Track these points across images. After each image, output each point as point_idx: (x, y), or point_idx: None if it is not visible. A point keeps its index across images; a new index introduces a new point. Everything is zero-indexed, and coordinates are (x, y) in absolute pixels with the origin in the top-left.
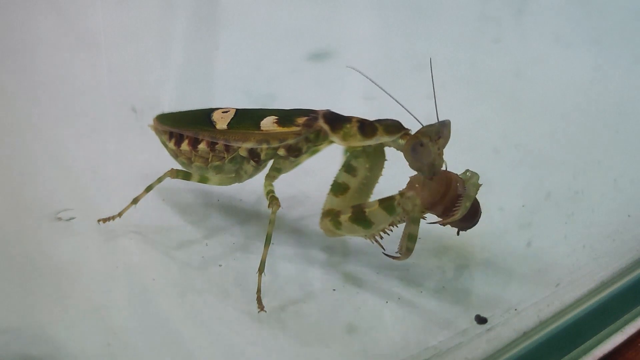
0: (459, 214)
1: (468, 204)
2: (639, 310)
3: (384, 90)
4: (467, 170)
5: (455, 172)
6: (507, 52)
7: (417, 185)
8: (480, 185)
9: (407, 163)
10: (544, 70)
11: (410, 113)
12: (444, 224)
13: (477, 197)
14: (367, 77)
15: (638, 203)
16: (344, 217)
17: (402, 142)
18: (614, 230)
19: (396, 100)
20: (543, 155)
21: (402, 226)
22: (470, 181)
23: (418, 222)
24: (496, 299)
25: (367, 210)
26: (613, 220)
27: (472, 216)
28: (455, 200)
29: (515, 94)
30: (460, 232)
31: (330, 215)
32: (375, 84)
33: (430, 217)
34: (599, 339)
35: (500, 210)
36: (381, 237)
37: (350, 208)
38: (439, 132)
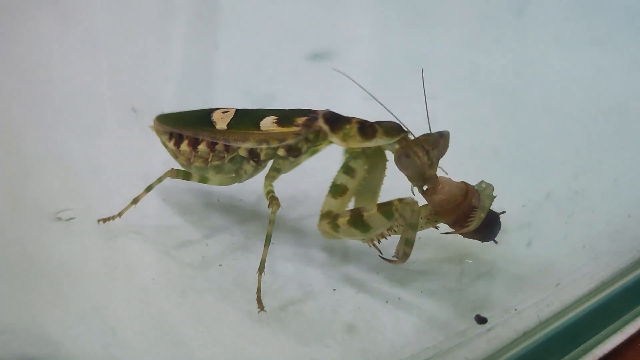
0: (473, 225)
1: (482, 215)
2: (639, 310)
3: (368, 92)
4: (482, 182)
5: (468, 183)
6: (507, 52)
7: (433, 191)
8: (495, 197)
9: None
10: (544, 71)
11: (394, 117)
12: (464, 235)
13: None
14: (354, 81)
15: (638, 203)
16: (342, 220)
17: (396, 147)
18: (614, 230)
19: (384, 106)
20: (543, 155)
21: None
22: (485, 192)
23: (415, 228)
24: (496, 299)
25: (365, 214)
26: (613, 220)
27: (491, 228)
28: (469, 212)
29: (515, 94)
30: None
31: (329, 217)
32: (362, 87)
33: (443, 227)
34: (599, 339)
35: (500, 210)
36: (379, 241)
37: (349, 211)
38: (434, 143)
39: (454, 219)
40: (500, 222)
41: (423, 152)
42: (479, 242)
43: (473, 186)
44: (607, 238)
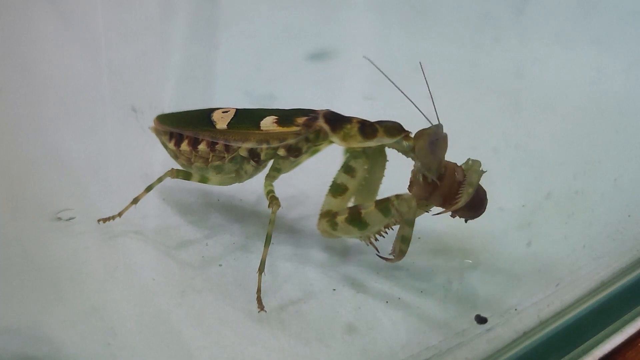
0: (462, 201)
1: (471, 190)
2: (639, 310)
3: (395, 86)
4: (469, 159)
5: (455, 162)
6: (507, 52)
7: (416, 179)
8: (484, 172)
9: (415, 163)
10: (544, 70)
11: (419, 110)
12: (452, 215)
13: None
14: (380, 71)
15: (638, 203)
16: (340, 218)
17: (406, 143)
18: (614, 230)
19: (406, 96)
20: (543, 155)
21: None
22: (472, 168)
23: (412, 225)
24: (496, 299)
25: (363, 211)
26: (613, 220)
27: (478, 204)
28: (455, 188)
29: (515, 94)
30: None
31: (328, 216)
32: (388, 78)
33: (435, 209)
34: (599, 339)
35: (500, 210)
36: (376, 239)
37: (347, 209)
38: (438, 134)
39: (440, 200)
40: (486, 198)
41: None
42: (478, 241)
43: (454, 163)
44: (607, 238)
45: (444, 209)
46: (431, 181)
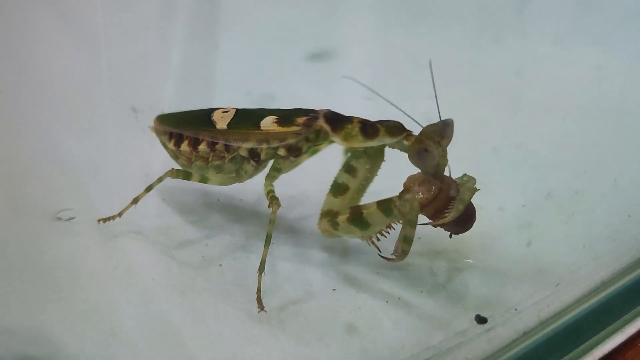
0: (450, 216)
1: (461, 207)
2: (639, 310)
3: (379, 95)
4: (465, 175)
5: (451, 176)
6: (507, 52)
7: (412, 187)
8: (477, 190)
9: (412, 164)
10: (544, 70)
11: (406, 114)
12: (435, 226)
13: (477, 196)
14: (364, 85)
15: (638, 203)
16: (341, 218)
17: (407, 143)
18: (614, 230)
19: (393, 104)
20: (543, 155)
21: (399, 228)
22: (466, 185)
23: (414, 225)
24: (496, 299)
25: (364, 211)
26: (613, 220)
27: (466, 221)
28: (447, 203)
29: (515, 94)
30: (454, 235)
31: (329, 216)
32: (372, 90)
33: (422, 219)
34: (599, 339)
35: (500, 210)
36: (378, 239)
37: (349, 209)
38: (441, 132)
39: (432, 212)
40: (475, 215)
41: (436, 143)
42: (478, 241)
43: (450, 177)
44: (607, 238)
45: (430, 221)
46: (430, 191)
